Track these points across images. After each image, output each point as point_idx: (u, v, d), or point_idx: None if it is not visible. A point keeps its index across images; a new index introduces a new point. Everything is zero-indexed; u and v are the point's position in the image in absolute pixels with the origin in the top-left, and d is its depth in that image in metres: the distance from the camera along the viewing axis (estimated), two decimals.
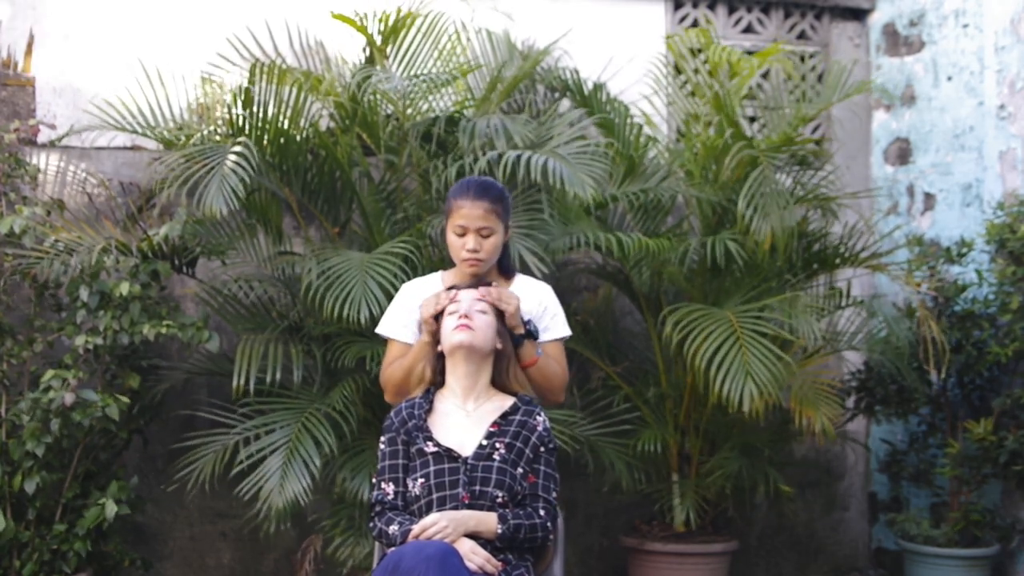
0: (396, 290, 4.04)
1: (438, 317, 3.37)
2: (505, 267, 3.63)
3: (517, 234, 4.44)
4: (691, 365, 4.62)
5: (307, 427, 4.38)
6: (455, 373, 3.34)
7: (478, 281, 3.46)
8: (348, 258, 4.41)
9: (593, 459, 4.90)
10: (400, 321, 3.59)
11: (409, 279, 3.90)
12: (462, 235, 3.48)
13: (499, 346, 3.36)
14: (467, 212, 3.45)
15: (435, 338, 3.38)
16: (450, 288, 3.44)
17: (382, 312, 3.89)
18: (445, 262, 4.50)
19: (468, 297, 3.36)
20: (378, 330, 3.67)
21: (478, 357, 3.32)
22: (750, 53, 5.42)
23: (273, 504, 4.26)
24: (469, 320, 3.30)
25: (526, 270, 4.30)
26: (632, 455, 4.92)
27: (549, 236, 4.62)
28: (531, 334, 3.43)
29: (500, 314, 3.38)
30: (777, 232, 4.69)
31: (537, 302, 3.57)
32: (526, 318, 3.46)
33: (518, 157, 4.42)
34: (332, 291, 4.25)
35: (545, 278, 4.05)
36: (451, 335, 3.31)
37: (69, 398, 4.25)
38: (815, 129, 6.04)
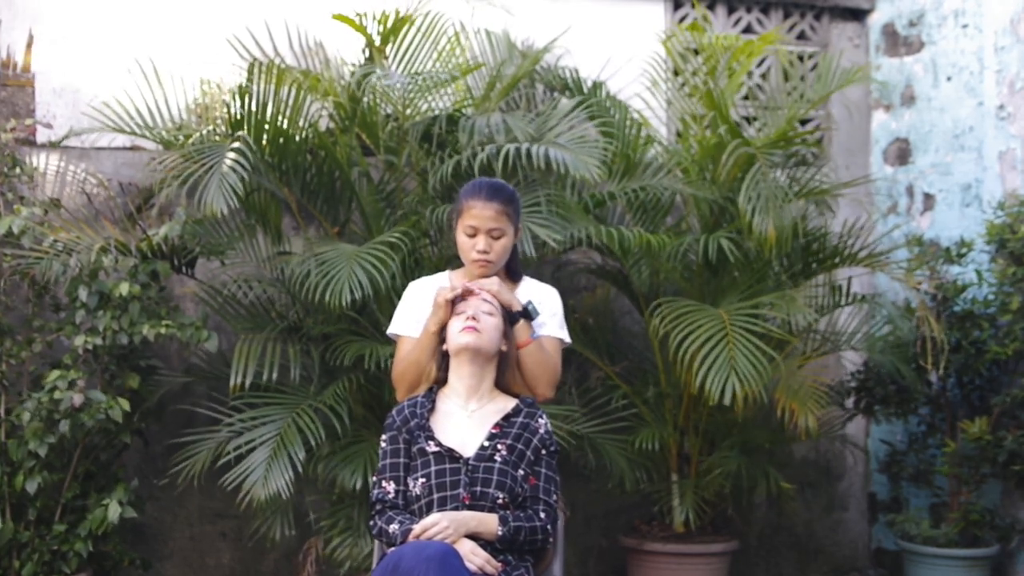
0: (384, 278, 4.05)
1: (454, 302, 3.35)
2: (513, 270, 3.62)
3: (525, 212, 4.41)
4: (676, 357, 4.62)
5: (297, 423, 4.38)
6: (459, 373, 3.34)
7: None
8: (340, 248, 4.40)
9: (594, 458, 4.90)
10: (412, 317, 3.55)
11: (401, 268, 3.88)
12: (473, 236, 3.46)
13: (504, 348, 3.36)
14: (478, 213, 3.44)
15: (441, 331, 3.37)
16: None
17: (365, 298, 3.86)
18: (444, 261, 4.51)
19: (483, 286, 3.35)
20: (389, 331, 3.64)
21: (483, 359, 3.32)
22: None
23: (255, 497, 4.26)
24: (476, 322, 3.30)
25: (538, 244, 4.30)
26: (632, 453, 4.92)
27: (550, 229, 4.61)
28: (528, 314, 3.41)
29: (506, 313, 3.38)
30: (776, 229, 4.69)
31: (539, 303, 3.56)
32: (524, 300, 3.45)
33: (518, 150, 4.41)
34: (317, 274, 4.25)
35: (546, 277, 4.04)
36: (458, 336, 3.31)
37: (78, 399, 4.25)
38: (815, 130, 6.03)
